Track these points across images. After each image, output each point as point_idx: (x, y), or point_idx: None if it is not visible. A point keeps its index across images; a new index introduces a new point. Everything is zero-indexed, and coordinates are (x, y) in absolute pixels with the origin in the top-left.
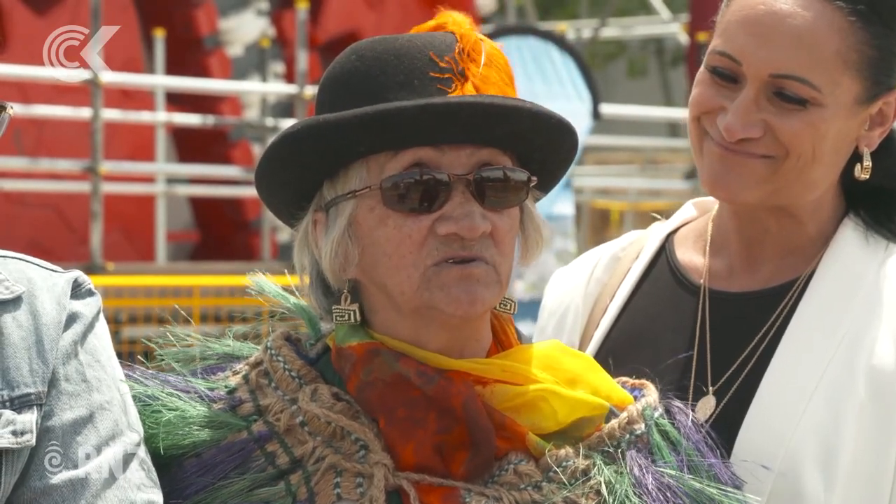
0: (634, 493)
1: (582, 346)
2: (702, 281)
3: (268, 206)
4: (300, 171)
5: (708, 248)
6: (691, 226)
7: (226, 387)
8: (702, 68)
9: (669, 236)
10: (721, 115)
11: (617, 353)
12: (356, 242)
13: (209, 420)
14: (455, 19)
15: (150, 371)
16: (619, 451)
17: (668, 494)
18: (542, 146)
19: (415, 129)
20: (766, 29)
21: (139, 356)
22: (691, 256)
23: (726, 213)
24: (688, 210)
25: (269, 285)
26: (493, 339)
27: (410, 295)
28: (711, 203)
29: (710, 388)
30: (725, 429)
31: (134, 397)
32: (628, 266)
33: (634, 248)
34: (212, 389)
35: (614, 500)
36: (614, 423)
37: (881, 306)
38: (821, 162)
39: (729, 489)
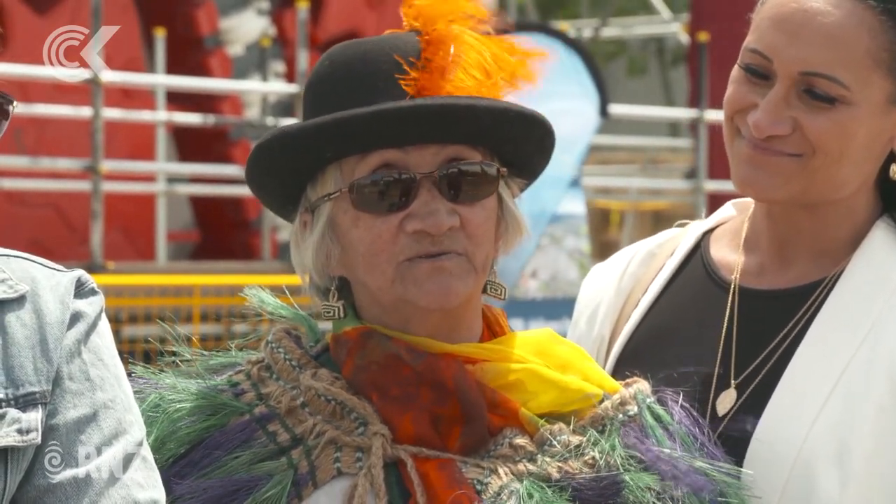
0: (628, 463)
1: (612, 339)
2: (733, 277)
3: (269, 209)
4: (280, 179)
5: (742, 246)
6: (728, 225)
7: (228, 382)
8: (736, 66)
9: (706, 234)
10: (752, 113)
11: (645, 347)
12: (336, 242)
13: (212, 404)
14: (426, 15)
15: (156, 370)
16: (613, 429)
17: (661, 465)
18: (508, 139)
19: (374, 134)
20: (796, 26)
21: (144, 355)
22: (725, 254)
23: (760, 212)
24: (727, 209)
25: (269, 298)
26: (487, 330)
27: (387, 290)
28: (750, 203)
29: (733, 383)
30: (744, 424)
31: (141, 393)
32: (663, 262)
33: (670, 245)
34: (216, 386)
35: (608, 469)
36: (607, 403)
37: None
38: (849, 160)
39: (720, 464)
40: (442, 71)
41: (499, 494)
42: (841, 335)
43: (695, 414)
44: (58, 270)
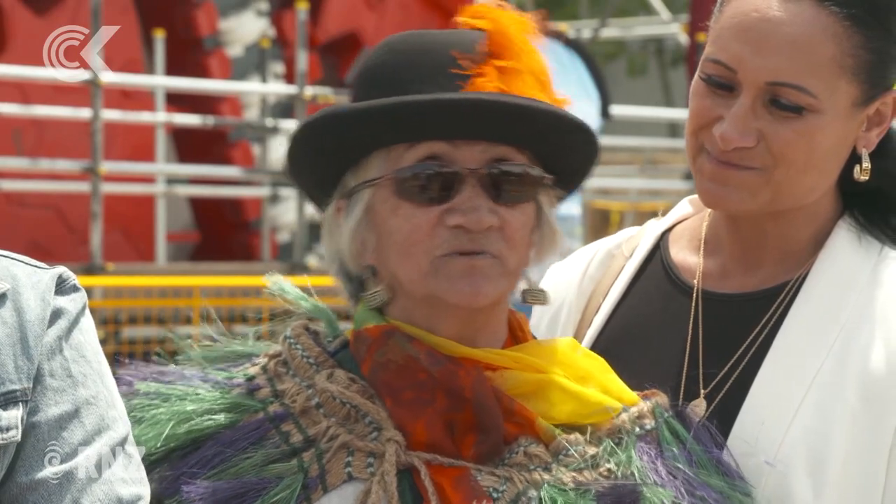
0: (644, 476)
1: None
2: (695, 281)
3: (301, 191)
4: (323, 160)
5: (702, 248)
6: (686, 224)
7: (244, 375)
8: (696, 77)
9: (664, 234)
10: (718, 124)
11: (609, 353)
12: (372, 230)
13: (227, 404)
14: (492, 15)
15: (167, 367)
16: (629, 442)
17: (677, 482)
18: (558, 146)
19: (428, 123)
20: (760, 36)
21: (147, 354)
22: (685, 256)
23: (722, 215)
24: (683, 207)
25: (290, 286)
26: (510, 334)
27: (418, 283)
28: None
29: (702, 391)
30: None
31: (147, 391)
32: (622, 263)
33: (629, 246)
34: (230, 379)
35: (625, 479)
36: (624, 416)
37: (873, 311)
38: (815, 168)
39: (737, 482)
40: (501, 73)
41: (516, 502)
42: (809, 340)
43: (712, 429)
44: (39, 268)
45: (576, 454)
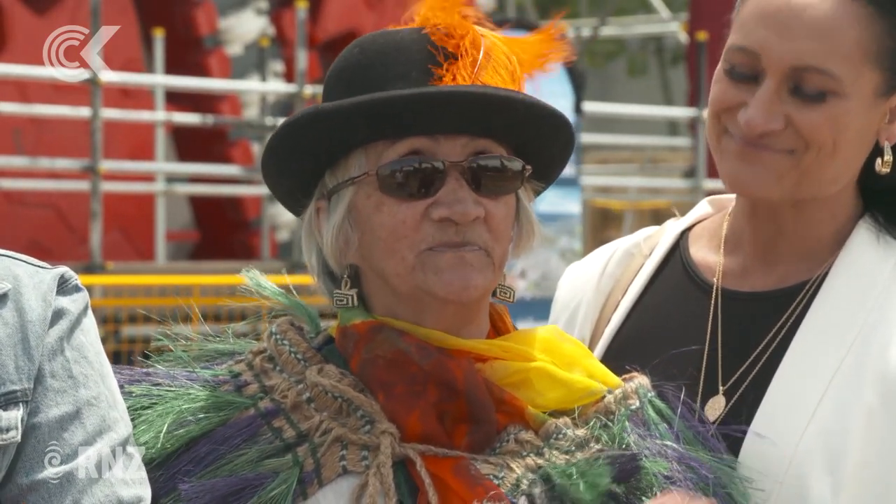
0: (640, 448)
1: (593, 342)
2: (714, 279)
3: (275, 196)
4: (302, 160)
5: (722, 247)
6: (706, 223)
7: (230, 372)
8: (719, 67)
9: (684, 233)
10: (742, 110)
11: (627, 351)
12: (355, 228)
13: (216, 402)
14: (452, 18)
15: (156, 368)
16: (616, 423)
17: (666, 460)
18: (536, 137)
19: (410, 118)
20: (785, 21)
21: (147, 354)
22: (705, 254)
23: (742, 212)
24: (703, 207)
25: (266, 282)
26: (492, 326)
27: (405, 277)
28: (727, 201)
29: (721, 388)
30: (733, 431)
31: (139, 393)
32: (641, 262)
33: (648, 245)
34: (216, 376)
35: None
36: (610, 397)
37: (892, 310)
38: (842, 154)
39: (724, 456)
40: (474, 67)
41: (517, 486)
42: (828, 339)
43: (695, 407)
44: (41, 268)
45: (564, 438)
